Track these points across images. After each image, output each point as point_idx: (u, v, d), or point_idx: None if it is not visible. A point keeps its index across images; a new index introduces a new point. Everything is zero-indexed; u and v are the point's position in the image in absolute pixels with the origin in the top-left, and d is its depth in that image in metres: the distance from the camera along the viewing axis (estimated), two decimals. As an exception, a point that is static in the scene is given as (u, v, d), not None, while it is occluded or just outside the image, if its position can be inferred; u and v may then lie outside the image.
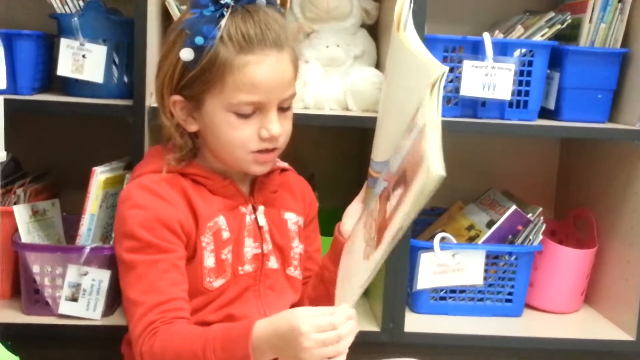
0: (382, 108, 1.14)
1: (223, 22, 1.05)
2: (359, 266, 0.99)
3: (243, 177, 1.17)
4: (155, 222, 1.06)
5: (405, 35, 1.00)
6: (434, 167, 0.80)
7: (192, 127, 1.12)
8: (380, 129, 1.14)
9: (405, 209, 0.86)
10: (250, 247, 1.14)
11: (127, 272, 1.07)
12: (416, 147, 0.87)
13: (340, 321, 0.94)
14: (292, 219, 1.21)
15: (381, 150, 1.10)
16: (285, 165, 1.25)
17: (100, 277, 1.44)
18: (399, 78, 1.05)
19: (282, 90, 1.09)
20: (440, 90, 0.89)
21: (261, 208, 1.16)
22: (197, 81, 1.07)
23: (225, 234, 1.12)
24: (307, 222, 1.25)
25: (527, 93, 1.57)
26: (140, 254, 1.05)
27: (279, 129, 1.09)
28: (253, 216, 1.15)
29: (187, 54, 1.06)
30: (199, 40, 1.05)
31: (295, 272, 1.20)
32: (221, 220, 1.12)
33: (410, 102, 0.98)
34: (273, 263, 1.17)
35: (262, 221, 1.16)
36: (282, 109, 1.10)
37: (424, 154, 0.83)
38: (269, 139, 1.09)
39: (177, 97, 1.10)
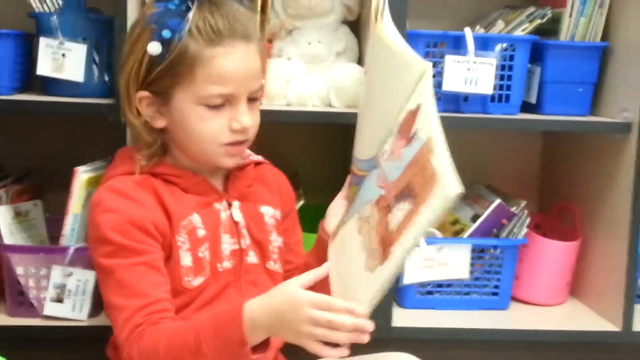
0: (364, 103, 1.13)
1: (190, 15, 1.05)
2: (362, 277, 0.96)
3: (215, 172, 1.16)
4: (128, 225, 1.05)
5: (382, 26, 0.99)
6: (451, 187, 0.80)
7: (160, 123, 1.11)
8: (362, 126, 1.13)
9: (419, 227, 0.85)
10: (227, 244, 1.13)
11: (105, 278, 1.06)
12: (422, 161, 0.86)
13: (336, 306, 0.92)
14: (269, 213, 1.20)
15: (364, 148, 1.09)
16: (259, 158, 1.24)
17: (85, 277, 1.42)
18: (379, 73, 1.04)
19: (251, 81, 1.09)
20: (431, 91, 0.89)
21: (236, 203, 1.15)
22: (165, 75, 1.06)
23: (201, 232, 1.11)
24: (285, 214, 1.24)
25: (508, 87, 1.58)
26: (116, 258, 1.04)
27: (250, 120, 1.09)
28: (228, 212, 1.15)
29: (155, 48, 1.05)
30: (166, 33, 1.04)
31: (275, 265, 1.19)
32: (195, 219, 1.11)
33: (393, 100, 0.97)
34: (252, 258, 1.16)
35: (238, 216, 1.15)
36: (251, 100, 1.10)
37: (436, 172, 0.83)
38: (240, 131, 1.09)
39: (143, 93, 1.09)
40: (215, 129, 1.08)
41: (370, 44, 1.07)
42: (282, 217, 1.23)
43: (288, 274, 1.23)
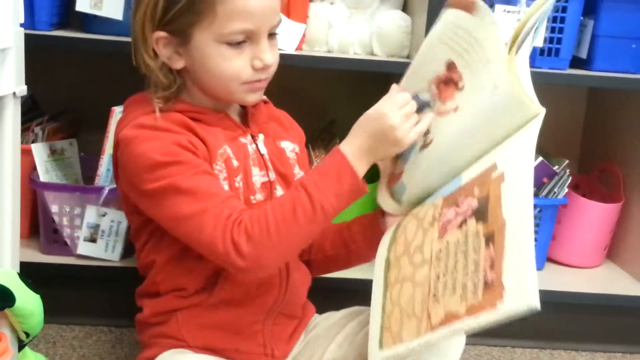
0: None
1: None
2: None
3: (232, 110, 1.14)
4: (173, 146, 1.01)
5: (515, 61, 0.92)
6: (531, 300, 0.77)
7: (179, 64, 1.07)
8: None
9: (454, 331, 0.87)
10: (257, 176, 1.11)
11: (169, 196, 1.00)
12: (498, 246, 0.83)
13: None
14: (289, 147, 1.18)
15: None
16: (265, 97, 1.21)
17: (119, 219, 1.43)
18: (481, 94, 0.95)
19: (273, 16, 1.06)
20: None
21: (261, 136, 1.14)
22: (184, 14, 1.02)
23: (235, 162, 1.09)
24: (301, 149, 1.22)
25: (559, 40, 1.52)
26: (174, 175, 1.00)
27: (272, 57, 1.06)
28: (254, 145, 1.13)
29: None
30: None
31: None
32: (228, 150, 1.09)
33: (492, 135, 0.95)
34: (280, 191, 1.14)
35: (264, 149, 1.13)
36: (271, 36, 1.07)
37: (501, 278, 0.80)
38: (262, 69, 1.06)
39: (160, 34, 1.04)
40: (237, 67, 1.05)
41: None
42: (301, 151, 1.21)
43: None
